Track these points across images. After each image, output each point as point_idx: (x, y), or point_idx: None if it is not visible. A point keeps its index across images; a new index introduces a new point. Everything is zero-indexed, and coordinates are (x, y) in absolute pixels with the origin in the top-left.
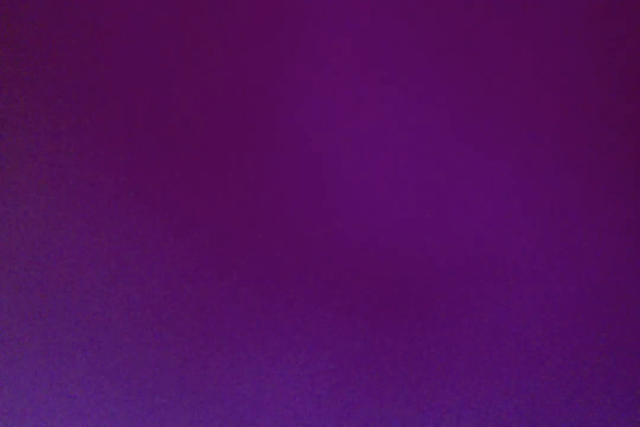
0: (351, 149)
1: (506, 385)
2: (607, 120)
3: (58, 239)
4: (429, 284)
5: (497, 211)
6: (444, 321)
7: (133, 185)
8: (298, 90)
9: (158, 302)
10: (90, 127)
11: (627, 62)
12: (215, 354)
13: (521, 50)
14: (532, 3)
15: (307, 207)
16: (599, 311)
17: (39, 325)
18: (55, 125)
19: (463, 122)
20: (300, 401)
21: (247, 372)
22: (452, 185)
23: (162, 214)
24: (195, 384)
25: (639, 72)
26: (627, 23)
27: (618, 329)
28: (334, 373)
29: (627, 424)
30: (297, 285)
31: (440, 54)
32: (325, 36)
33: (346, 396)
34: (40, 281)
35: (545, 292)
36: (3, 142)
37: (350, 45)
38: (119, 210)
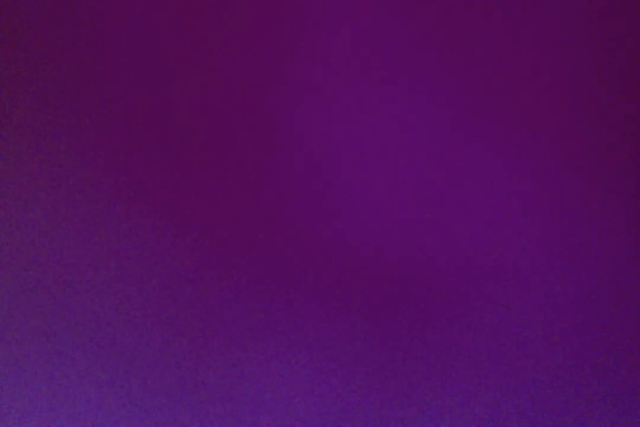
0: (351, 149)
1: (506, 385)
2: (607, 120)
3: (58, 239)
4: (429, 284)
5: (497, 211)
6: (444, 321)
7: (133, 185)
8: (298, 90)
9: (158, 302)
10: (90, 127)
11: (627, 62)
12: (215, 354)
13: (521, 50)
14: (532, 3)
15: (307, 207)
16: (599, 311)
17: (39, 325)
18: (55, 125)
19: (463, 122)
20: (301, 400)
21: (247, 372)
22: (452, 185)
23: (162, 214)
24: (195, 384)
25: (639, 72)
26: (627, 23)
27: (618, 329)
28: (334, 373)
29: (627, 424)
30: (297, 285)
31: (440, 54)
32: (325, 36)
33: (346, 396)
34: (40, 280)
35: (545, 292)
36: (3, 142)
37: (350, 46)
38: (119, 210)
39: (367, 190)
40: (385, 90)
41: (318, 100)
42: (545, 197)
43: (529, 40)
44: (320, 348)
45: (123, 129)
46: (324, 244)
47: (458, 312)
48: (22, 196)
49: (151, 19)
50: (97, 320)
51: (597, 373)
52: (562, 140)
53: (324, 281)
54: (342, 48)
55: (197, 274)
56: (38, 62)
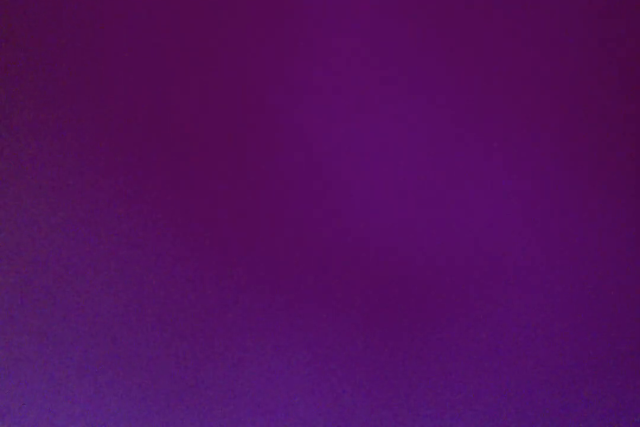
0: (351, 149)
1: (506, 385)
2: (607, 120)
3: (58, 239)
4: (429, 284)
5: (497, 211)
6: (444, 321)
7: (133, 185)
8: (298, 91)
9: (158, 302)
10: (90, 127)
11: (627, 62)
12: (215, 354)
13: (521, 50)
14: (532, 3)
15: (307, 207)
16: (599, 311)
17: (39, 325)
18: (55, 125)
19: (463, 122)
20: (301, 400)
21: (247, 372)
22: (452, 185)
23: (162, 214)
24: (195, 384)
25: (639, 72)
26: (627, 23)
27: (618, 329)
28: (334, 373)
29: (627, 424)
30: (297, 285)
31: (440, 54)
32: (325, 36)
33: (346, 396)
34: (40, 280)
35: (545, 292)
36: (3, 142)
37: (350, 46)
38: (119, 210)
39: (367, 190)
40: (385, 90)
41: (318, 100)
42: (545, 197)
43: (529, 40)
44: (320, 348)
45: (123, 129)
46: (324, 244)
47: (458, 312)
48: (22, 196)
49: (151, 19)
50: (97, 320)
51: (597, 373)
52: (562, 140)
53: (324, 281)
54: (342, 48)
55: (197, 274)
56: (38, 62)
